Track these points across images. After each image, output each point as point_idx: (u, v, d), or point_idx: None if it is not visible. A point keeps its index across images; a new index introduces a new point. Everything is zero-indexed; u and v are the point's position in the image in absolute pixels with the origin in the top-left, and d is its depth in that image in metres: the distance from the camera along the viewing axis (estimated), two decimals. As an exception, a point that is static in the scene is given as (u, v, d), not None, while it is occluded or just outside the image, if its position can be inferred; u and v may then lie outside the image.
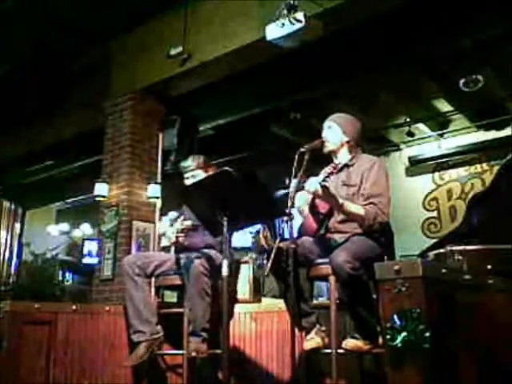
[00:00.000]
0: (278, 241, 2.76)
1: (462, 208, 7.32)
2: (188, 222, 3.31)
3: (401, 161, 8.21)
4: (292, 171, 2.78)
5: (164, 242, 3.47)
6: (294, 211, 2.83)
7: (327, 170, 2.88)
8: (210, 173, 3.44)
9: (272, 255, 2.66)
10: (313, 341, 2.78)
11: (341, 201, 2.73)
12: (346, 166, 2.97)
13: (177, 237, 3.34)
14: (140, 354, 3.15)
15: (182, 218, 3.39)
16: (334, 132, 3.00)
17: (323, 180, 2.71)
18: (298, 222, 3.00)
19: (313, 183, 2.73)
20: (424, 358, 1.62)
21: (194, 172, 3.46)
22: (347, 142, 3.00)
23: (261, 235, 6.03)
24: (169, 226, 3.43)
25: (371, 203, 2.77)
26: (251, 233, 6.39)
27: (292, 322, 2.82)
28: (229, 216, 2.49)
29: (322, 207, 2.93)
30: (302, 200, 2.96)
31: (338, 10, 4.32)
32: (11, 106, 7.00)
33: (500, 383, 1.87)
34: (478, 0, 4.41)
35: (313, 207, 2.95)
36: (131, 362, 3.19)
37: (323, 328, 2.87)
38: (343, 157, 3.01)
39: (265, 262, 4.27)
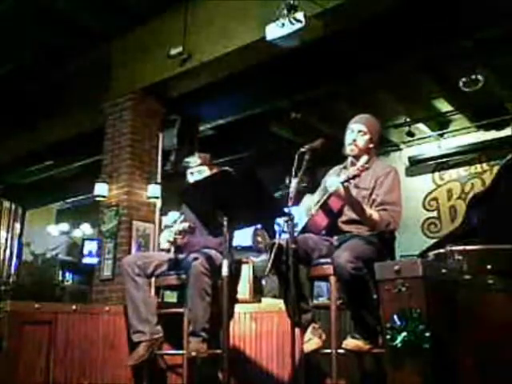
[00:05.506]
0: (277, 239, 2.76)
1: (462, 208, 7.33)
2: (185, 224, 3.31)
3: (401, 161, 8.20)
4: (292, 171, 2.78)
5: (162, 245, 3.47)
6: (294, 211, 2.82)
7: (351, 171, 2.73)
8: (215, 171, 3.45)
9: (272, 254, 2.66)
10: (312, 342, 2.77)
11: (364, 206, 2.72)
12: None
13: (175, 238, 3.34)
14: (140, 354, 3.16)
15: (181, 219, 3.39)
16: (365, 138, 2.96)
17: (346, 181, 2.68)
18: (302, 220, 2.98)
19: (334, 182, 2.71)
20: (424, 357, 1.62)
21: (199, 167, 3.43)
22: (370, 148, 2.99)
23: (258, 237, 6.02)
24: (167, 229, 3.43)
25: (384, 209, 2.77)
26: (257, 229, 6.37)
27: (291, 319, 2.81)
28: (229, 216, 2.49)
29: (335, 206, 2.91)
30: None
31: (337, 10, 4.32)
32: (11, 106, 7.00)
33: (500, 383, 1.87)
34: (478, 0, 4.41)
35: (326, 205, 2.93)
36: (132, 361, 3.20)
37: (317, 325, 2.86)
38: (361, 160, 2.92)
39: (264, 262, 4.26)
